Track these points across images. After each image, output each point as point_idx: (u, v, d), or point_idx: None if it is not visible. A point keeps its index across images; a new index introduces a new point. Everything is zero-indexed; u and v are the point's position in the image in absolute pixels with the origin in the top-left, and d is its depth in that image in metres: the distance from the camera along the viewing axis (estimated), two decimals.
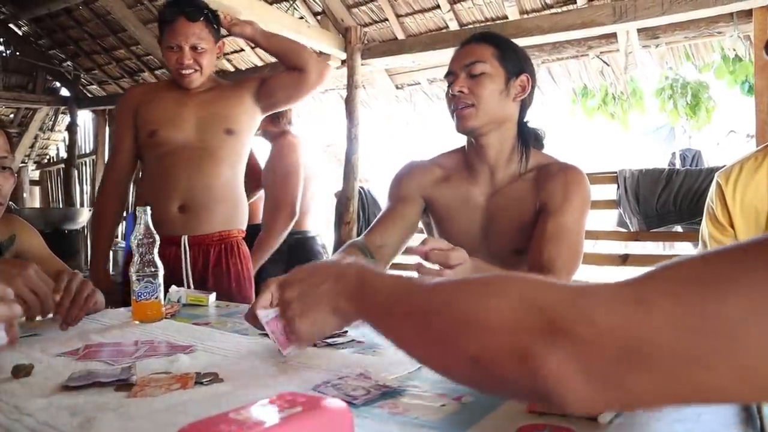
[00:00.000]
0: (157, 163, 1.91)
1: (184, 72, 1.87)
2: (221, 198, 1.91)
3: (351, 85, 3.90)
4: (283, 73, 1.99)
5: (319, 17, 4.06)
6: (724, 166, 1.43)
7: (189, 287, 1.83)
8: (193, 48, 1.86)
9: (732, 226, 1.36)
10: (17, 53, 6.29)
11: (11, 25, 6.04)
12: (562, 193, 1.30)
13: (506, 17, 3.49)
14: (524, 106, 1.40)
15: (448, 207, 1.44)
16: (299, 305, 0.79)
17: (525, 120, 1.41)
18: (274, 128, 2.67)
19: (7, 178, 1.43)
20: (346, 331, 1.14)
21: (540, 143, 1.47)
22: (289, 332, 0.86)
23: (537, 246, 1.28)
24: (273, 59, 4.61)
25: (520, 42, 3.44)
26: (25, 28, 6.12)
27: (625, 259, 3.23)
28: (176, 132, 1.89)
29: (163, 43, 1.89)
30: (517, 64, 1.35)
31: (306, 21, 3.97)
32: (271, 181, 2.57)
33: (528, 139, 1.40)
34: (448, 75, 1.40)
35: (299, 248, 2.58)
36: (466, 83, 1.33)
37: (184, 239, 1.87)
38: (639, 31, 3.27)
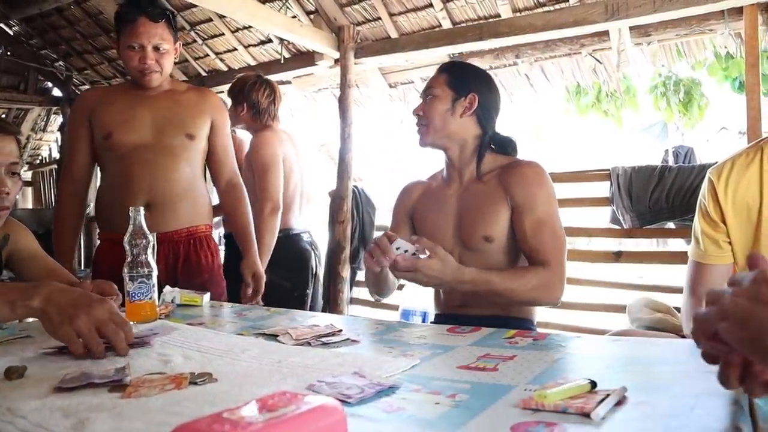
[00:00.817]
0: (116, 164, 1.90)
1: (146, 72, 1.86)
2: (185, 195, 1.92)
3: (344, 84, 3.90)
4: (222, 177, 2.07)
5: (311, 16, 4.04)
6: (716, 162, 1.44)
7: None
8: (156, 48, 1.85)
9: (724, 222, 1.37)
10: (8, 53, 6.25)
11: (2, 25, 5.99)
12: (527, 191, 1.47)
13: (499, 15, 3.50)
14: (482, 119, 1.57)
15: (427, 210, 1.64)
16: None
17: (488, 131, 1.58)
18: (254, 124, 2.65)
19: (15, 183, 1.43)
20: (341, 330, 1.14)
21: (507, 150, 1.61)
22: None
23: (525, 245, 1.47)
24: (266, 59, 4.60)
25: (513, 40, 3.48)
26: (16, 28, 6.07)
27: (618, 256, 3.25)
28: (132, 134, 1.88)
29: (122, 43, 1.86)
30: (466, 86, 1.56)
31: (299, 20, 3.96)
32: (249, 176, 2.54)
33: (485, 146, 1.57)
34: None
35: (280, 247, 2.51)
36: (422, 107, 1.59)
37: (153, 236, 1.87)
38: (631, 29, 3.28)
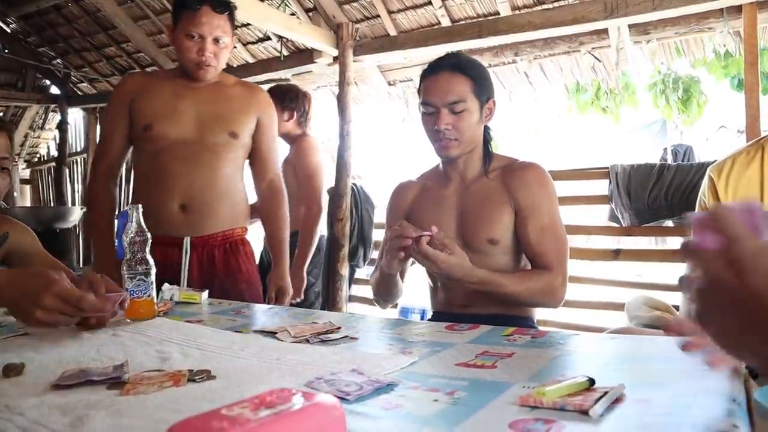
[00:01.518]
0: (153, 158, 1.80)
1: (202, 66, 1.77)
2: (224, 196, 1.83)
3: (343, 82, 3.89)
4: (265, 176, 1.99)
5: (310, 14, 4.04)
6: (716, 160, 1.44)
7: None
8: (215, 41, 1.76)
9: None
10: (6, 51, 6.23)
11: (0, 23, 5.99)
12: (531, 192, 1.46)
13: (498, 13, 3.50)
14: None
15: (424, 210, 1.59)
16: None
17: (487, 127, 1.56)
18: (299, 130, 2.76)
19: (3, 178, 1.43)
20: (339, 328, 1.14)
21: (488, 138, 1.60)
22: None
23: (529, 250, 1.46)
24: (265, 56, 4.60)
25: (512, 38, 3.48)
26: (13, 26, 6.07)
27: (617, 254, 3.25)
28: (173, 127, 1.78)
29: (180, 30, 1.76)
30: (486, 91, 1.50)
31: (297, 17, 3.95)
32: (291, 179, 2.61)
33: (488, 143, 1.55)
34: (426, 105, 1.48)
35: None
36: (450, 120, 1.45)
37: (187, 241, 1.80)
38: (630, 26, 3.28)
